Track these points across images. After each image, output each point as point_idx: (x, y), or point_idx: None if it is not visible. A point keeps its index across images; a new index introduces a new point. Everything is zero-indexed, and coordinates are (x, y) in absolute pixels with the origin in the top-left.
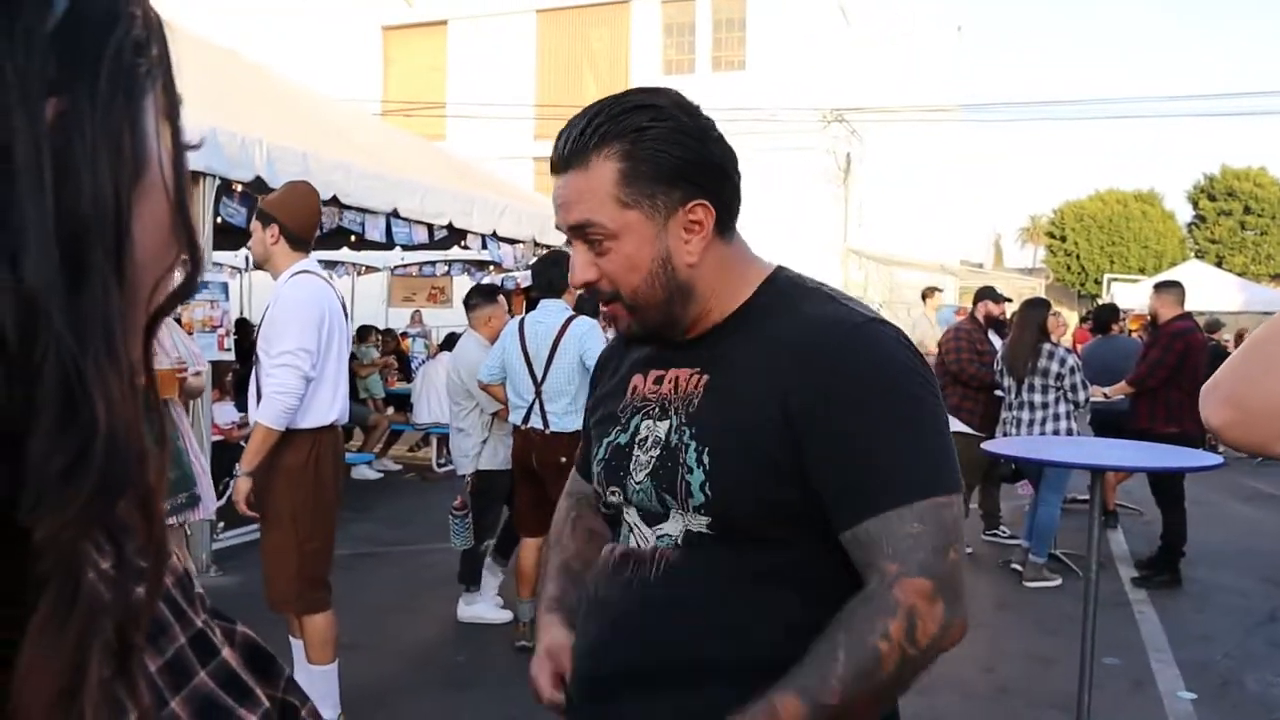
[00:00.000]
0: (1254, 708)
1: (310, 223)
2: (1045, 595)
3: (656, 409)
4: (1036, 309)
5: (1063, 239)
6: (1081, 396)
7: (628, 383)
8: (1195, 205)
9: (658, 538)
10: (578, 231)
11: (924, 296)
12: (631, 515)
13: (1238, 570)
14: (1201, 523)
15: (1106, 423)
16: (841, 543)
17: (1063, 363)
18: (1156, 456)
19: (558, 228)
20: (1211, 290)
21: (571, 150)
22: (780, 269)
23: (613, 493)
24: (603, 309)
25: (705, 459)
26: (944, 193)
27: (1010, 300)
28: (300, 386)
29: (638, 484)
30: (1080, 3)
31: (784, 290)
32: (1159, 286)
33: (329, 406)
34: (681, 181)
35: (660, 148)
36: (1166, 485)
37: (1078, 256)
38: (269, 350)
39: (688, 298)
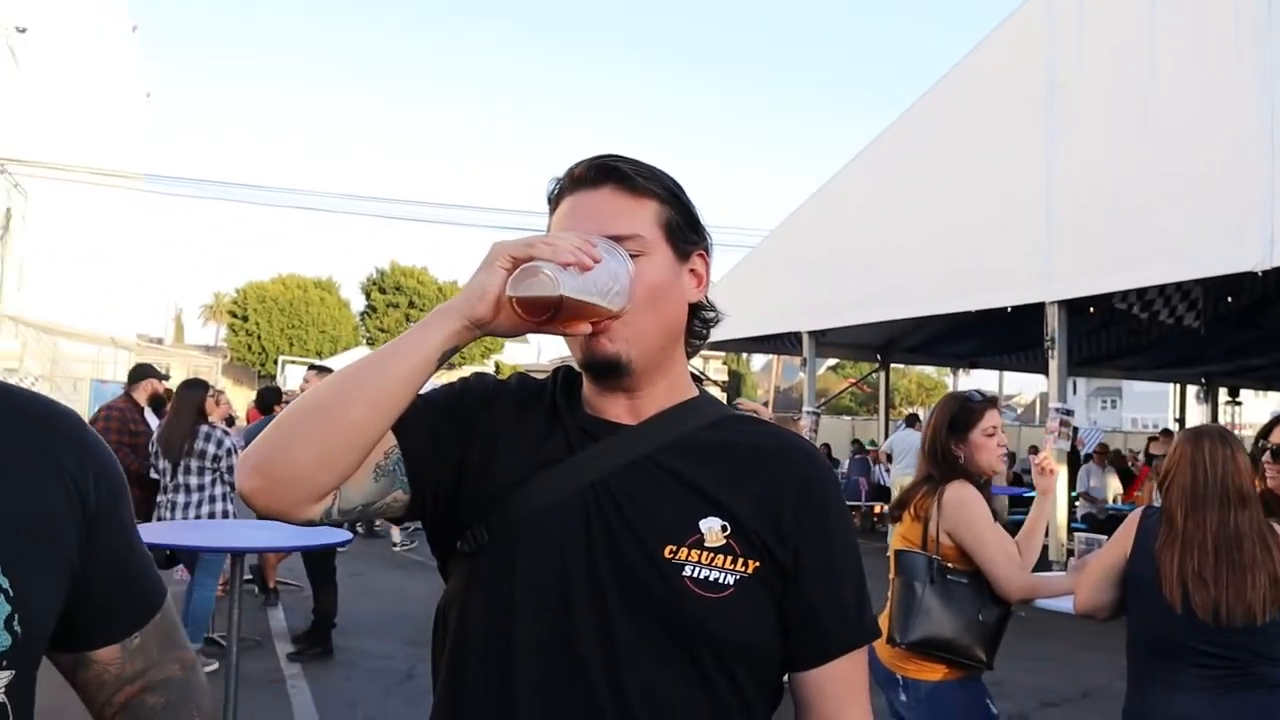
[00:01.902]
0: None
1: None
2: None
3: None
4: (194, 390)
5: (245, 318)
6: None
7: None
8: (368, 296)
9: None
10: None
11: None
12: None
13: (383, 635)
14: (355, 593)
15: None
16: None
17: (219, 444)
18: (290, 536)
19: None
20: None
21: None
22: None
23: None
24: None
25: (2, 581)
26: (122, 262)
27: (169, 378)
28: None
29: None
30: (278, 89)
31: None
32: (314, 368)
33: None
34: None
35: None
36: (318, 561)
37: (259, 337)
38: None
39: None
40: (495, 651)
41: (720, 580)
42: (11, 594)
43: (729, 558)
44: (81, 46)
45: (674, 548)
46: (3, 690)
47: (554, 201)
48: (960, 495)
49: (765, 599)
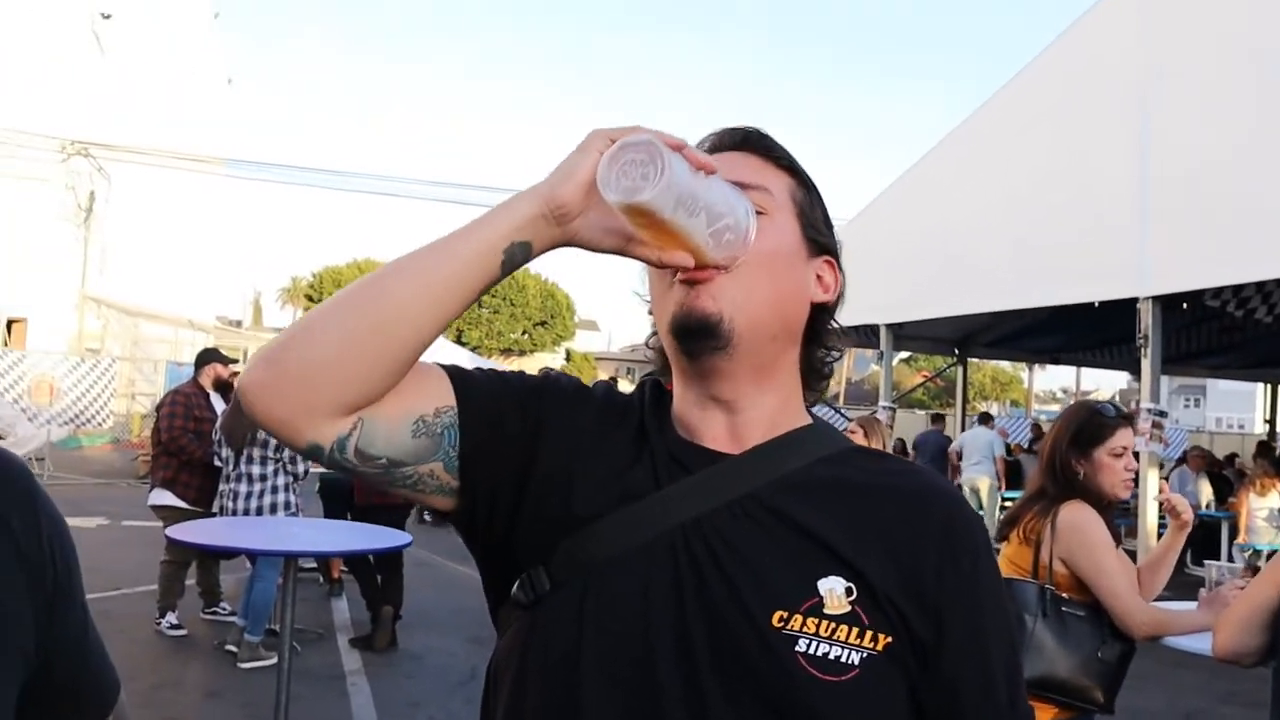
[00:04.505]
0: None
1: None
2: (261, 675)
3: None
4: None
5: (320, 302)
6: (301, 469)
7: None
8: None
9: None
10: None
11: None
12: None
13: (446, 631)
14: (420, 584)
15: (335, 492)
16: None
17: None
18: (345, 539)
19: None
20: (447, 361)
21: None
22: None
23: None
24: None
25: None
26: (201, 245)
27: (237, 362)
28: None
29: None
30: (353, 77)
31: None
32: None
33: None
34: None
35: None
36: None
37: None
38: None
39: None
40: None
41: (842, 659)
42: None
43: (854, 630)
44: (164, 33)
45: (785, 614)
46: None
47: None
48: (1077, 518)
49: (898, 683)
